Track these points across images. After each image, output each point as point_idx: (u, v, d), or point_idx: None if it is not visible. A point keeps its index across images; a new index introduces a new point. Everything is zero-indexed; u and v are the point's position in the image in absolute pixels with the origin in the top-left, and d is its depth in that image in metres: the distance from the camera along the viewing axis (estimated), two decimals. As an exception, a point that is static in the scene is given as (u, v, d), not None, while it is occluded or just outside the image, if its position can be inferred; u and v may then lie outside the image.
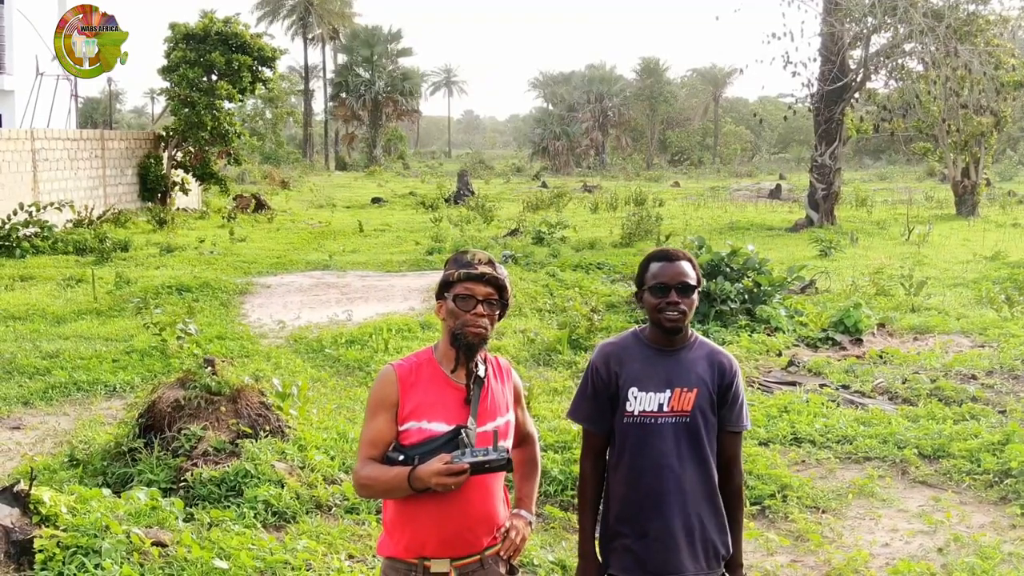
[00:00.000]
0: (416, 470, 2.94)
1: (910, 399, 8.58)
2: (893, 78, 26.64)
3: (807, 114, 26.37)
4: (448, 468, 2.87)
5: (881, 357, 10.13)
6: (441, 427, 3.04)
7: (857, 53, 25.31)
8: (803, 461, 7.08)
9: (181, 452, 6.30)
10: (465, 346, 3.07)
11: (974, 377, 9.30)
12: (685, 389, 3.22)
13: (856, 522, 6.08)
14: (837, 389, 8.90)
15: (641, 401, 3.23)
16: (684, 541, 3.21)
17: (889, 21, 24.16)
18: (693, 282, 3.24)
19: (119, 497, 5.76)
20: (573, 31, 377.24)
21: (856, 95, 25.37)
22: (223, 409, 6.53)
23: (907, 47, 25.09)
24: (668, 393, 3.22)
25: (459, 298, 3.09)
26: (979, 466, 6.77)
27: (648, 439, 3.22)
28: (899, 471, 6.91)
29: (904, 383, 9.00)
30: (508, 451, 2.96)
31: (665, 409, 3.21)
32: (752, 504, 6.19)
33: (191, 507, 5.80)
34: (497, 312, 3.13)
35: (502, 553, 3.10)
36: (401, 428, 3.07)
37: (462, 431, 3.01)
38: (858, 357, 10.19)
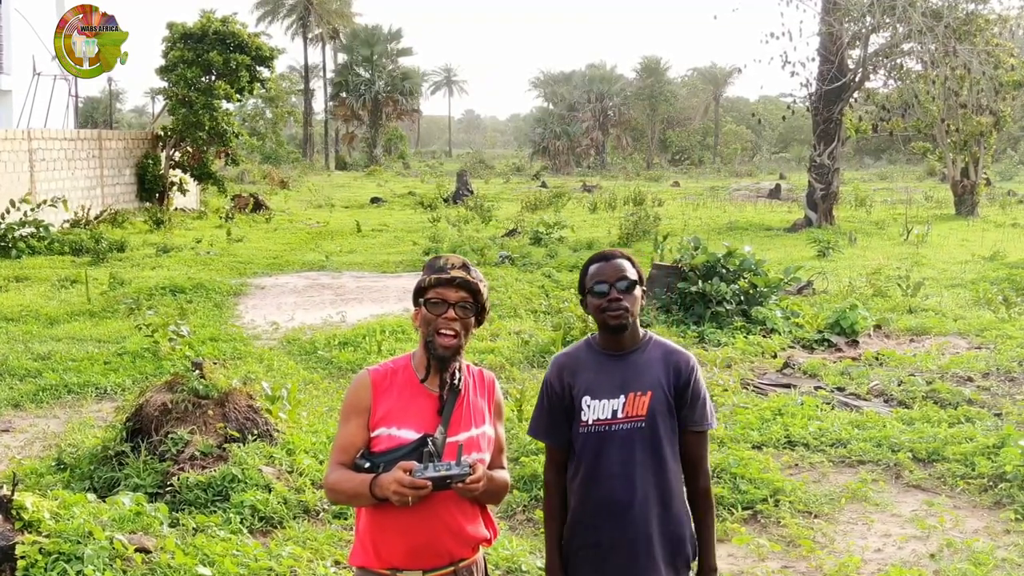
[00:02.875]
0: (377, 478, 2.89)
1: (905, 401, 8.52)
2: (892, 78, 26.57)
3: (806, 114, 26.32)
4: (410, 481, 2.80)
5: (877, 359, 10.07)
6: (410, 435, 2.98)
7: (856, 53, 25.25)
8: (796, 465, 7.02)
9: (168, 456, 6.24)
10: (437, 357, 3.02)
11: (970, 379, 9.24)
12: (639, 393, 3.15)
13: (849, 527, 6.02)
14: (832, 391, 8.84)
15: (594, 409, 3.17)
16: (642, 549, 3.14)
17: (888, 20, 24.11)
18: (633, 277, 3.19)
19: (104, 502, 5.73)
20: (573, 31, 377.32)
21: (855, 95, 25.31)
22: (211, 413, 6.48)
23: (906, 47, 25.02)
24: (622, 399, 3.15)
25: (430, 303, 3.03)
26: (973, 470, 6.71)
27: (604, 447, 3.15)
28: (893, 475, 6.85)
29: (900, 385, 8.94)
30: (472, 465, 2.89)
31: (620, 415, 3.14)
32: (744, 509, 6.14)
33: (177, 512, 5.76)
34: (472, 318, 3.07)
35: (468, 480, 2.84)
36: (372, 434, 3.02)
37: (428, 440, 2.95)
38: (854, 359, 10.13)
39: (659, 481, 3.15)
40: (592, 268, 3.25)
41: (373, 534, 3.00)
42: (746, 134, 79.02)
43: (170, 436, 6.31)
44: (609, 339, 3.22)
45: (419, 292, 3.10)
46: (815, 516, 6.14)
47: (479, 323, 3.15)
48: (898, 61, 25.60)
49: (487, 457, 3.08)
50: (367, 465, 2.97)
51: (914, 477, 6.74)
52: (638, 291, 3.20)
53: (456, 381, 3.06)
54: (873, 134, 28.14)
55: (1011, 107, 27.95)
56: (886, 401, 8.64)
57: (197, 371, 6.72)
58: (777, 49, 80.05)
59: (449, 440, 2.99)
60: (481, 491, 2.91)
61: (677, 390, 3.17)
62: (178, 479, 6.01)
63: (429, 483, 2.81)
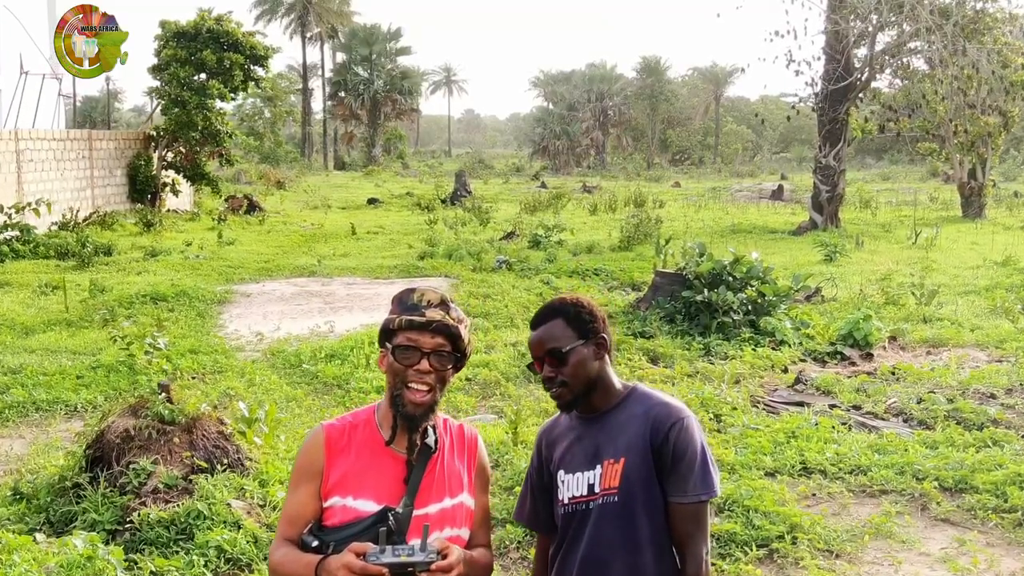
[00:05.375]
0: (325, 561, 2.37)
1: (926, 421, 7.99)
2: (898, 77, 26.03)
3: (810, 114, 25.79)
4: (362, 568, 2.28)
5: (893, 373, 9.53)
6: (369, 506, 2.46)
7: (862, 51, 24.72)
8: (813, 495, 6.48)
9: (129, 489, 5.71)
10: (404, 416, 2.48)
11: (993, 396, 8.71)
12: (612, 461, 2.59)
13: (873, 568, 5.49)
14: (848, 410, 8.31)
15: (569, 486, 2.65)
16: None
17: (895, 18, 23.57)
18: (564, 344, 2.62)
19: (58, 539, 5.22)
20: (574, 30, 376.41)
21: (861, 94, 24.78)
22: (176, 440, 5.94)
23: (913, 45, 24.50)
24: (597, 470, 2.61)
25: (400, 350, 2.49)
26: (1006, 501, 6.18)
27: (580, 528, 2.62)
28: (919, 506, 6.32)
29: (919, 403, 8.40)
30: (443, 550, 2.36)
31: (597, 490, 2.60)
32: (759, 547, 5.60)
33: (136, 553, 5.23)
34: (450, 367, 2.54)
35: (435, 568, 2.36)
36: (324, 504, 2.50)
37: (389, 515, 2.42)
38: (869, 374, 9.59)
39: (631, 565, 2.57)
40: (528, 339, 2.73)
41: None
42: (747, 134, 78.51)
43: (132, 467, 5.78)
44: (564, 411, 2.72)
45: (387, 334, 2.56)
46: (836, 555, 5.60)
47: (458, 369, 2.62)
48: (905, 60, 25.07)
49: (464, 534, 2.55)
50: (315, 544, 2.45)
51: (942, 510, 6.20)
52: (580, 352, 2.63)
53: (429, 440, 2.54)
54: (878, 134, 27.61)
55: (1019, 107, 27.39)
56: (905, 421, 8.11)
57: (163, 394, 6.19)
58: (781, 48, 79.61)
59: (416, 513, 2.46)
60: None
61: (655, 450, 2.57)
62: (138, 515, 5.47)
63: (385, 570, 2.29)
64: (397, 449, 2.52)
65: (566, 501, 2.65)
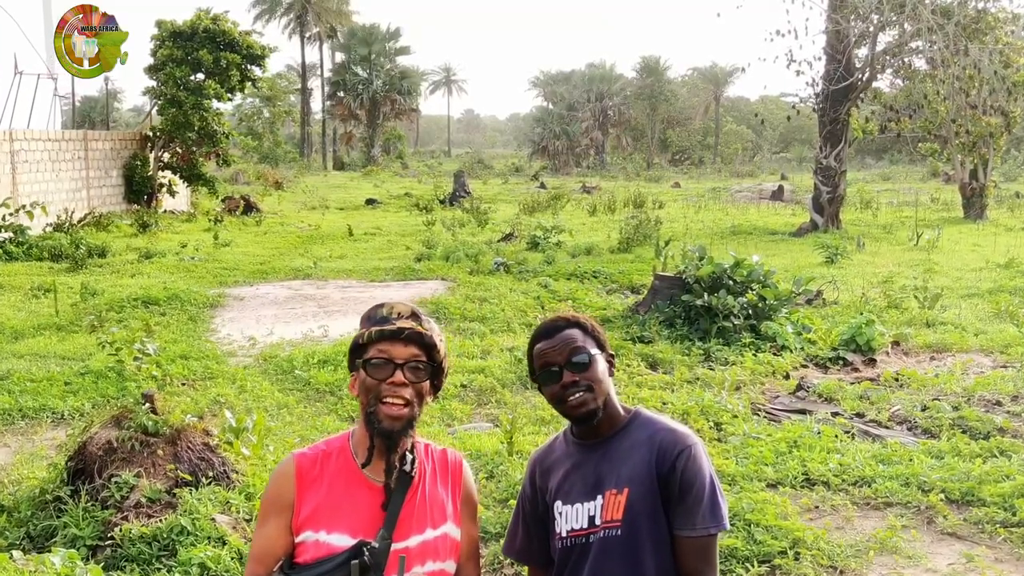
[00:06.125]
0: None
1: (931, 430, 7.82)
2: (900, 77, 25.85)
3: (810, 114, 25.62)
4: None
5: (897, 380, 9.36)
6: (343, 541, 2.28)
7: (863, 51, 24.55)
8: (816, 507, 6.31)
9: (111, 503, 5.53)
10: (381, 433, 2.31)
11: (999, 403, 8.53)
12: (614, 492, 2.43)
13: (879, 585, 5.32)
14: (851, 418, 8.13)
15: (567, 518, 2.48)
16: None
17: (896, 18, 23.40)
18: (590, 348, 2.49)
19: (37, 554, 5.04)
20: (574, 30, 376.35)
21: (862, 95, 24.61)
22: (160, 452, 5.76)
23: (914, 45, 24.33)
24: (599, 500, 2.44)
25: (371, 365, 2.33)
26: (1014, 515, 6.00)
27: (580, 564, 2.45)
28: (924, 520, 6.14)
29: (924, 411, 8.23)
30: None
31: (598, 523, 2.43)
32: (761, 563, 5.43)
33: (117, 570, 5.06)
34: (427, 381, 2.37)
35: None
36: (296, 539, 2.32)
37: (364, 550, 2.25)
38: (872, 380, 9.41)
39: None
40: (536, 349, 2.57)
41: None
42: (747, 134, 78.36)
43: (114, 480, 5.60)
44: (582, 428, 2.53)
45: (357, 351, 2.38)
46: (841, 572, 5.42)
47: (436, 389, 2.44)
48: (906, 60, 24.90)
49: (450, 567, 2.38)
50: None
51: (948, 523, 6.02)
52: (601, 361, 2.50)
53: (407, 466, 2.37)
54: (878, 134, 27.44)
55: (1021, 107, 27.20)
56: (910, 429, 7.94)
57: (147, 404, 6.01)
58: (782, 48, 79.29)
59: (395, 547, 2.29)
60: None
61: (662, 479, 2.40)
62: (120, 530, 5.30)
63: None
64: (373, 477, 2.35)
65: (564, 534, 2.49)
